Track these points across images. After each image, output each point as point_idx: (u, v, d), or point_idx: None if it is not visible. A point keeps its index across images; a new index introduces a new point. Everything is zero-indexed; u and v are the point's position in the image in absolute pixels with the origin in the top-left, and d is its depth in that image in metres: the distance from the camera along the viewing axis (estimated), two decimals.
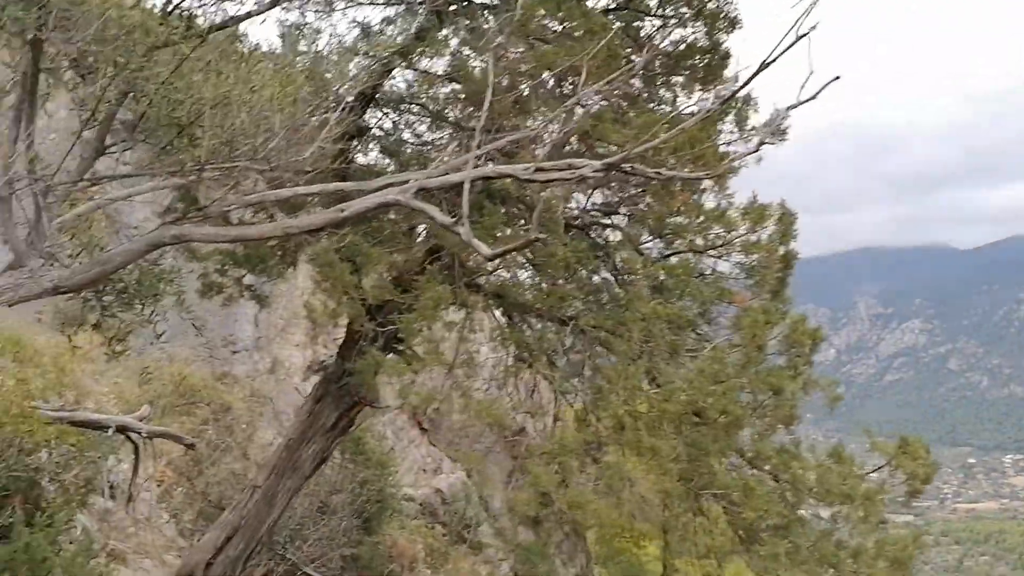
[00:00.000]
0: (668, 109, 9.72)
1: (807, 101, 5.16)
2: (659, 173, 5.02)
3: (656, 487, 6.88)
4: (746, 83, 4.76)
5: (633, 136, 7.92)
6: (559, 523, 6.92)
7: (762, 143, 4.84)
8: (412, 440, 22.32)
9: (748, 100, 10.01)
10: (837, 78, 5.38)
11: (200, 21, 5.44)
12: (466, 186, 3.98)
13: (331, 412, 9.73)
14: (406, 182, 4.48)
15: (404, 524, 18.28)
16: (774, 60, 4.83)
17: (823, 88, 5.19)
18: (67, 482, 8.32)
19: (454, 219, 4.11)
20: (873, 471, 8.68)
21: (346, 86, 6.19)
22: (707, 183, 8.94)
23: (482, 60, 7.26)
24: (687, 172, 5.22)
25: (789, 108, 5.03)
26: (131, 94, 4.38)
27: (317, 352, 22.91)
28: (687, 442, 7.05)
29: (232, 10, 6.05)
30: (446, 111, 8.76)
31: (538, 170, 4.31)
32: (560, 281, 7.90)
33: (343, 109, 5.39)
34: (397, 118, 10.11)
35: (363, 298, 6.89)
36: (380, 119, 9.92)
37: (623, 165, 4.43)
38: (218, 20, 5.97)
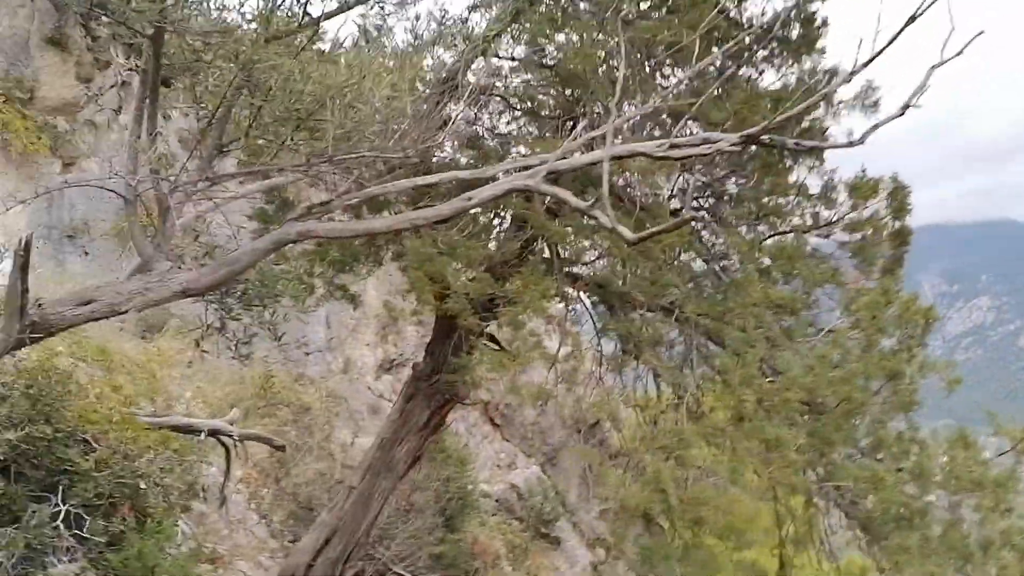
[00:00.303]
0: (749, 85, 9.35)
1: (952, 59, 4.79)
2: (799, 143, 4.70)
3: (777, 480, 6.54)
4: (890, 43, 4.39)
5: (734, 113, 7.58)
6: (679, 519, 6.64)
7: (907, 107, 4.48)
8: (485, 436, 22.21)
9: (834, 72, 9.58)
10: (981, 33, 5.00)
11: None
12: (606, 166, 3.73)
13: (423, 411, 9.62)
14: (530, 167, 4.25)
15: (484, 521, 18.18)
16: (921, 14, 4.47)
17: (969, 43, 4.82)
18: (169, 487, 8.33)
19: (590, 203, 3.86)
20: (1000, 455, 8.22)
21: (443, 74, 5.99)
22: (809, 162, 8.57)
23: (579, 39, 6.99)
24: (828, 143, 4.86)
25: (934, 67, 4.65)
26: (247, 88, 4.22)
27: (387, 351, 23.00)
28: (808, 432, 6.70)
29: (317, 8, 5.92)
30: (537, 98, 8.51)
31: (672, 146, 4.04)
32: (659, 268, 7.60)
33: (468, 97, 5.21)
34: (475, 110, 9.92)
35: (466, 292, 6.69)
36: (460, 111, 9.74)
37: (762, 137, 4.12)
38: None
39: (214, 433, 11.35)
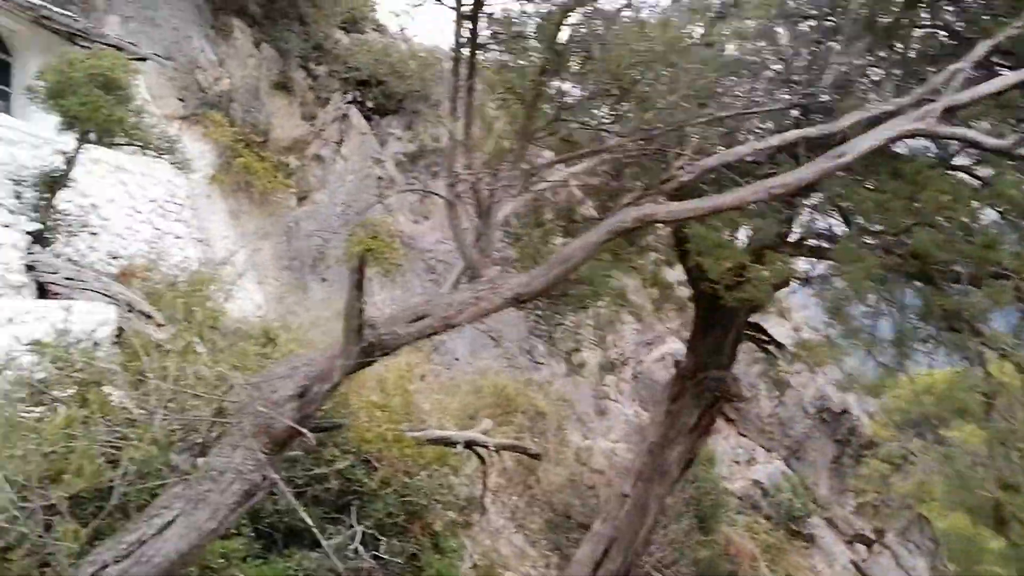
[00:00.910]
0: None
1: None
2: None
3: None
4: None
5: None
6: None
7: None
8: (719, 432, 21.13)
9: None
10: None
11: None
12: None
13: (691, 411, 8.94)
14: (898, 111, 3.49)
15: (732, 521, 17.20)
16: None
17: None
18: (450, 503, 8.23)
19: (1013, 140, 3.04)
20: None
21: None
22: None
23: None
24: None
25: None
26: (559, 65, 3.76)
27: (607, 351, 22.52)
28: None
29: None
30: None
31: None
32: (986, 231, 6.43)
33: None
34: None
35: (766, 279, 5.92)
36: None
37: None
38: None
39: (470, 444, 11.32)
